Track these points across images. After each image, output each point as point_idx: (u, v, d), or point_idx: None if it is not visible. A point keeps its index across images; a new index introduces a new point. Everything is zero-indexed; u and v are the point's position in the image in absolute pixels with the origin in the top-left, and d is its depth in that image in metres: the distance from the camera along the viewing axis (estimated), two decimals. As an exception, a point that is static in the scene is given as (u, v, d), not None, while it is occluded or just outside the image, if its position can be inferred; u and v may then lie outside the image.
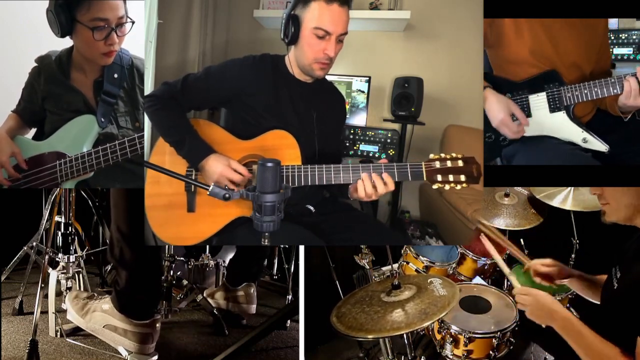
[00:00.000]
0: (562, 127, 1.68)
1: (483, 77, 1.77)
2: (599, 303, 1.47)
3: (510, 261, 1.98)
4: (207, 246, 2.27)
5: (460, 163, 1.41)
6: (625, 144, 1.68)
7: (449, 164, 1.41)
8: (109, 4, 1.56)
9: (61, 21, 1.56)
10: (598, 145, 1.64)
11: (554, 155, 1.65)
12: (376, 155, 2.78)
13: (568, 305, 1.81)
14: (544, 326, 1.31)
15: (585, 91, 1.63)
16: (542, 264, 1.56)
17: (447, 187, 1.40)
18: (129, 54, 1.73)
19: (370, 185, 1.42)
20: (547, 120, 1.69)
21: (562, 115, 1.67)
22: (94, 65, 1.69)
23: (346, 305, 1.40)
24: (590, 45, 1.73)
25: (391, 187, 1.42)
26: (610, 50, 2.26)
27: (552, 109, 1.68)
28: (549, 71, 1.68)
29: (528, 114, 1.72)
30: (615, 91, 1.58)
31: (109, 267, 2.20)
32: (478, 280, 1.87)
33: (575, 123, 1.66)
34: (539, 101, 1.70)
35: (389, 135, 2.77)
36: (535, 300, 1.30)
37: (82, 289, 1.98)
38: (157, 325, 1.69)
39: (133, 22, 1.62)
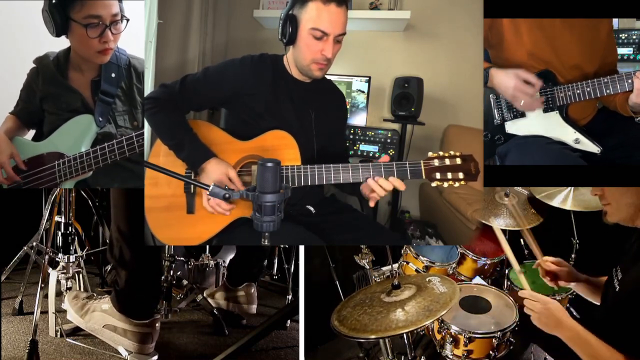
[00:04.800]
0: (554, 126, 1.68)
1: (483, 77, 1.77)
2: (597, 304, 1.47)
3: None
4: (207, 246, 2.27)
5: (458, 161, 1.41)
6: (624, 146, 1.68)
7: (447, 161, 1.41)
8: (102, 2, 1.57)
9: (56, 20, 1.57)
10: (591, 146, 1.64)
11: (542, 154, 1.65)
12: (376, 155, 2.78)
13: (568, 305, 1.81)
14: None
15: (578, 91, 1.63)
16: (554, 262, 1.55)
17: (445, 184, 1.40)
18: (126, 53, 1.74)
19: (379, 187, 1.41)
20: (541, 119, 1.70)
21: (555, 115, 1.68)
22: (91, 65, 1.69)
23: (346, 309, 1.40)
24: (593, 46, 1.72)
25: (401, 187, 1.42)
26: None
27: (546, 109, 1.68)
28: (543, 71, 1.68)
29: (522, 113, 1.72)
30: (608, 91, 1.58)
31: (109, 267, 2.20)
32: (478, 280, 1.87)
33: (568, 123, 1.67)
34: None
35: (389, 135, 2.77)
36: (546, 309, 1.28)
37: (82, 289, 1.99)
38: (157, 325, 1.69)
39: (128, 20, 1.63)
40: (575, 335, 1.23)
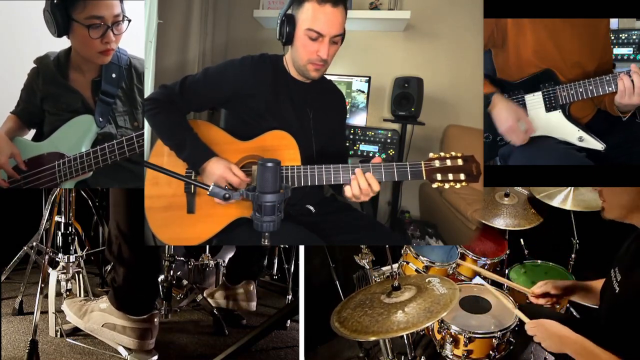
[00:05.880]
0: (558, 126, 1.68)
1: (483, 77, 1.77)
2: (596, 307, 1.47)
3: (510, 262, 1.99)
4: (207, 246, 2.26)
5: (459, 162, 1.40)
6: (624, 145, 1.68)
7: (448, 162, 1.40)
8: (104, 3, 1.57)
9: (57, 20, 1.56)
10: (594, 143, 1.63)
11: (548, 154, 1.65)
12: (376, 156, 2.78)
13: (568, 305, 1.81)
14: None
15: (580, 90, 1.63)
16: (537, 287, 1.57)
17: (446, 186, 1.40)
18: (127, 53, 1.74)
19: (356, 186, 1.41)
20: (543, 119, 1.69)
21: (558, 115, 1.67)
22: (92, 65, 1.69)
23: (346, 310, 1.40)
24: (593, 44, 1.72)
25: (375, 187, 1.41)
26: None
27: (548, 108, 1.68)
28: (544, 70, 1.68)
29: None
30: (610, 89, 1.58)
31: (109, 267, 2.21)
32: (478, 280, 1.87)
33: (571, 122, 1.66)
34: (534, 101, 1.70)
35: (389, 135, 2.77)
36: (544, 329, 1.29)
37: (82, 289, 1.98)
38: (156, 320, 1.70)
39: (129, 21, 1.62)
40: (581, 348, 1.22)
